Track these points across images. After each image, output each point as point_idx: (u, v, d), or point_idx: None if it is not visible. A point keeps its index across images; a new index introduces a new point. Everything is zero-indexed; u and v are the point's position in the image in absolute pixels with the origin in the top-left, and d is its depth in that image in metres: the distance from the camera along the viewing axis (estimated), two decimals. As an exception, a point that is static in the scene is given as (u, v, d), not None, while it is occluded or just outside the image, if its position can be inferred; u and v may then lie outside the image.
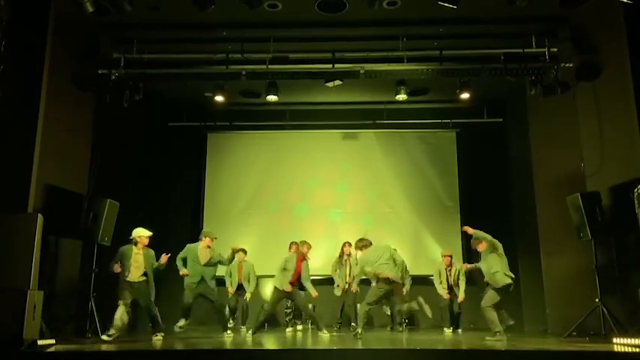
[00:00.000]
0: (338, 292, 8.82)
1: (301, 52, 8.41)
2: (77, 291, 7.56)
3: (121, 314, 6.74)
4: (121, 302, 6.80)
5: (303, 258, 7.78)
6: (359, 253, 7.46)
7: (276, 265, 7.81)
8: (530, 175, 9.23)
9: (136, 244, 7.03)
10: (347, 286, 8.78)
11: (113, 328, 6.65)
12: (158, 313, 6.96)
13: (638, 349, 5.35)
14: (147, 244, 7.11)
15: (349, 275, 8.78)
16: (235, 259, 8.26)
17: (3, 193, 6.24)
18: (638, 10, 6.73)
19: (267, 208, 10.58)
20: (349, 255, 8.89)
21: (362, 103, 10.52)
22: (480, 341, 6.55)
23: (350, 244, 8.87)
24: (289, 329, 8.48)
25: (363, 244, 7.25)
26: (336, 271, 8.93)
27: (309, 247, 8.03)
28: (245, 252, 9.07)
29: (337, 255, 9.07)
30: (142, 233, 7.09)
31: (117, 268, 6.83)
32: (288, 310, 8.85)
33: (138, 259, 6.97)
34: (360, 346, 6.23)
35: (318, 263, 9.27)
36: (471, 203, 10.36)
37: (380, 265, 6.99)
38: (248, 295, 8.87)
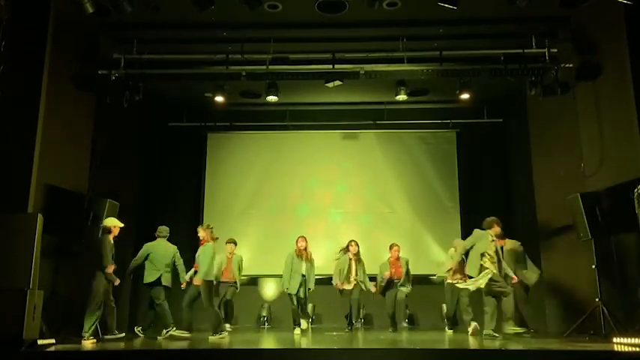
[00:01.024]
0: (349, 286, 8.36)
1: (301, 52, 8.42)
2: (77, 291, 7.55)
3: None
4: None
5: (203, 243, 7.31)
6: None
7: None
8: (530, 175, 9.22)
9: (109, 232, 7.05)
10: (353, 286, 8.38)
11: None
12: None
13: (638, 349, 5.35)
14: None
15: (355, 274, 8.36)
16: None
17: (3, 193, 6.23)
18: (638, 10, 6.73)
19: (268, 209, 10.58)
20: (355, 254, 8.48)
21: (362, 103, 10.52)
22: (480, 341, 6.55)
23: (356, 243, 8.52)
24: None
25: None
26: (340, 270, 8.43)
27: (205, 229, 7.29)
28: (235, 244, 8.80)
29: (341, 253, 8.62)
30: (117, 223, 7.14)
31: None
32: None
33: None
34: (360, 345, 6.22)
35: (318, 263, 9.23)
36: (471, 203, 10.35)
37: None
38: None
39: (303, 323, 8.11)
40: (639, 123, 6.78)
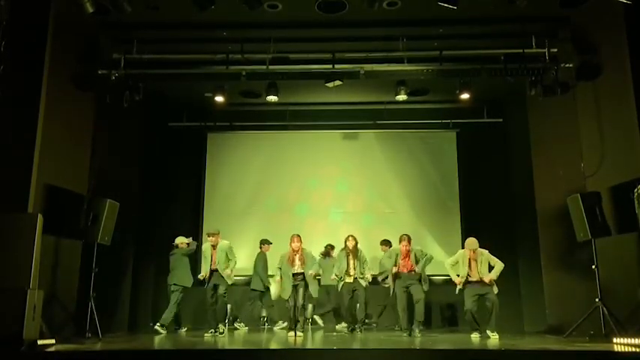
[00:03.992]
0: (349, 279, 8.24)
1: (301, 52, 8.41)
2: (77, 291, 7.56)
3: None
4: None
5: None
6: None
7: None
8: (531, 175, 9.22)
9: (177, 247, 8.67)
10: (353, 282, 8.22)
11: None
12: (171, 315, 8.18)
13: (638, 349, 5.35)
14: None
15: (354, 270, 8.21)
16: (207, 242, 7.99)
17: (3, 193, 6.24)
18: (638, 10, 6.73)
19: (268, 208, 10.57)
20: (352, 250, 8.28)
21: (362, 103, 10.51)
22: (480, 341, 6.55)
23: (353, 238, 8.33)
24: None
25: None
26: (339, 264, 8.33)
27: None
28: (217, 234, 8.05)
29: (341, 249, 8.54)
30: (183, 240, 8.81)
31: None
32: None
33: None
34: (359, 346, 6.22)
35: (318, 263, 9.24)
36: (471, 203, 10.36)
37: None
38: (228, 271, 7.92)
39: (299, 331, 7.49)
40: (639, 123, 6.79)
